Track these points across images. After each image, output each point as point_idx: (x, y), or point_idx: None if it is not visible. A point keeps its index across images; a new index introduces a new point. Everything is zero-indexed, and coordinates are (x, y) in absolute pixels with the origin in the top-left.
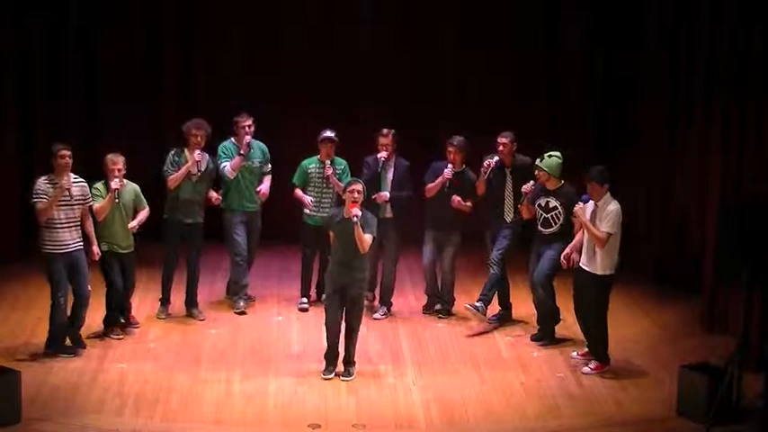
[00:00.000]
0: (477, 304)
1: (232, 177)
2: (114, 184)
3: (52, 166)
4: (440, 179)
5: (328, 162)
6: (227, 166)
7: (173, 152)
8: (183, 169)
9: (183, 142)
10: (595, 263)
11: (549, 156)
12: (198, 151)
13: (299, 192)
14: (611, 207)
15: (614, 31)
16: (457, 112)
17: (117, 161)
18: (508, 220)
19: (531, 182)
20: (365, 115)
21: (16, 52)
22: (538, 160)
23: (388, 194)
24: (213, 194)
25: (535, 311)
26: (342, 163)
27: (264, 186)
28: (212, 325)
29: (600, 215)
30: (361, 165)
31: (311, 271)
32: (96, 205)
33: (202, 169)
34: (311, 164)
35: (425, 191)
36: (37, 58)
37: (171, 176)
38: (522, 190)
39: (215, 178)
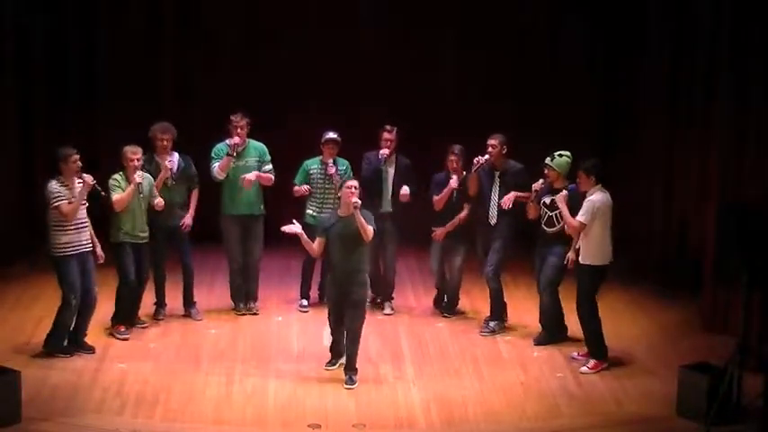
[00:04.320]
0: (492, 324)
1: (221, 178)
2: (138, 177)
3: (60, 170)
4: (447, 190)
5: (331, 161)
6: (215, 167)
7: (142, 159)
8: (160, 177)
9: (151, 148)
10: (580, 253)
11: (560, 155)
12: (169, 158)
13: (296, 187)
14: (591, 197)
15: (615, 32)
16: (457, 114)
17: (137, 152)
18: (492, 223)
19: (541, 180)
20: (365, 116)
21: (16, 53)
22: (548, 159)
23: (408, 189)
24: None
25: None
26: (344, 164)
27: (250, 174)
28: (212, 325)
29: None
30: (361, 165)
31: (312, 272)
32: (116, 196)
33: (175, 170)
34: (313, 165)
35: (434, 203)
36: (37, 59)
37: (154, 184)
38: (533, 187)
39: (191, 178)
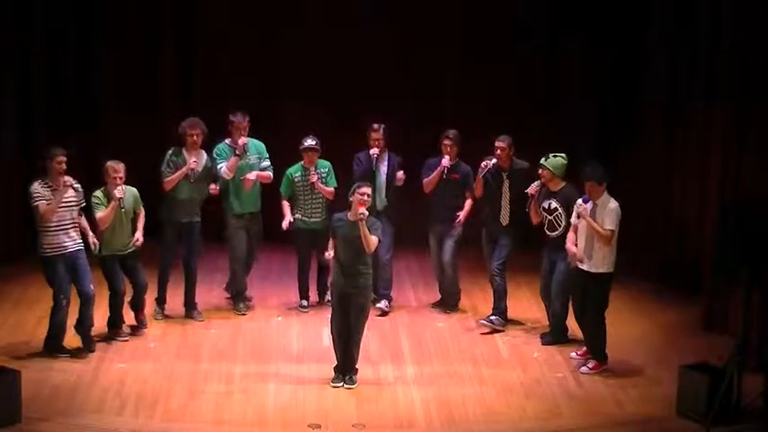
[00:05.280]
0: (493, 318)
1: (229, 177)
2: (118, 192)
3: (46, 170)
4: (438, 169)
5: (312, 169)
6: (223, 167)
7: (170, 152)
8: (180, 172)
9: (180, 143)
10: (594, 261)
11: (555, 156)
12: (194, 158)
13: (284, 204)
14: (612, 205)
15: (615, 32)
16: (457, 113)
17: (119, 169)
18: (504, 223)
19: (537, 182)
20: (365, 117)
21: (16, 53)
22: (543, 159)
23: (402, 173)
24: (212, 186)
25: (546, 316)
26: (326, 165)
27: (251, 174)
28: (212, 325)
29: (600, 214)
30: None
31: (308, 274)
32: (99, 214)
33: (200, 169)
34: (296, 172)
35: (424, 185)
36: (37, 59)
37: (167, 179)
38: (528, 192)
39: (213, 176)
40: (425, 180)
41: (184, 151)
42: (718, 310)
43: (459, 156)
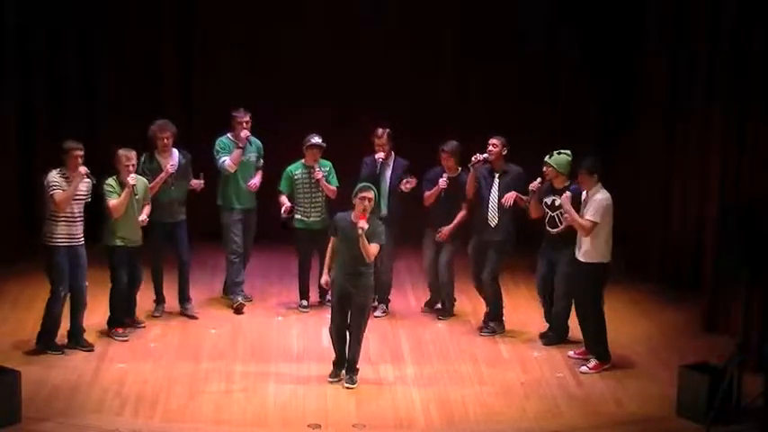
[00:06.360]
0: (492, 324)
1: (232, 171)
2: (131, 179)
3: (64, 163)
4: (435, 189)
5: (317, 166)
6: (226, 161)
7: (143, 160)
8: (160, 178)
9: (152, 147)
10: (583, 251)
11: (559, 153)
12: (171, 161)
13: (282, 198)
14: (598, 196)
15: (615, 32)
16: (457, 114)
17: (131, 156)
18: (493, 224)
19: (539, 179)
20: (364, 117)
21: (16, 53)
22: (547, 157)
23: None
24: (194, 182)
25: (543, 314)
26: (327, 164)
27: (256, 179)
28: (212, 325)
29: (588, 204)
30: (359, 166)
31: (308, 274)
32: (113, 201)
33: (175, 170)
34: (297, 169)
35: (424, 199)
36: (37, 59)
37: (148, 186)
38: (530, 187)
39: (190, 173)
40: (426, 194)
41: (157, 155)
42: (719, 310)
43: (460, 163)
